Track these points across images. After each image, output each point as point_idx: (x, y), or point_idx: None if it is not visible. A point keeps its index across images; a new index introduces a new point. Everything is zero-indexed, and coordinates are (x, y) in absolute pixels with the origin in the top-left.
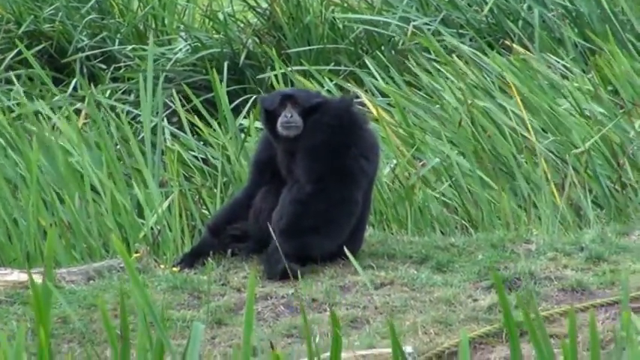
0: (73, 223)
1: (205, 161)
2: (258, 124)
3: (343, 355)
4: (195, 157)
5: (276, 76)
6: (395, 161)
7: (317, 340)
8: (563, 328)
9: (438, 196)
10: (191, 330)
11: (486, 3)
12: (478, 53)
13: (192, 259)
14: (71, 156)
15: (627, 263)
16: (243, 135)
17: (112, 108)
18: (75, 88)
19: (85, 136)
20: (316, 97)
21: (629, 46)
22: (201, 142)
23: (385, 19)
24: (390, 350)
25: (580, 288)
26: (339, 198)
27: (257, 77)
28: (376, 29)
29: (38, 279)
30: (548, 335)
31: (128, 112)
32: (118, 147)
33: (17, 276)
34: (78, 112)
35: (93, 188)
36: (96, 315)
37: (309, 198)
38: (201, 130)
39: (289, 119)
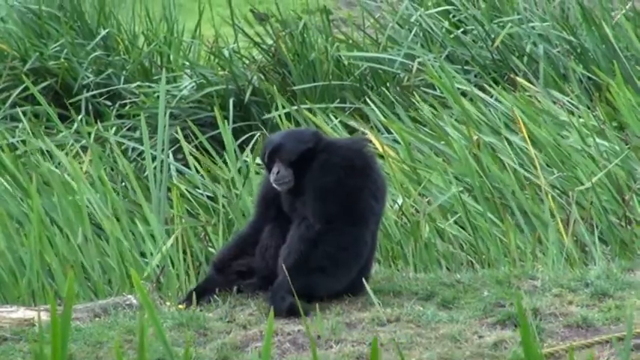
0: (75, 260)
1: (211, 198)
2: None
3: None
4: (202, 194)
5: (280, 115)
6: (400, 199)
7: None
8: None
9: (443, 231)
10: None
11: (491, 39)
12: (484, 89)
13: (198, 296)
14: (74, 193)
15: (632, 299)
16: (247, 171)
17: (119, 145)
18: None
19: (91, 174)
20: (305, 142)
21: (635, 81)
22: (207, 179)
23: (390, 56)
24: None
25: (585, 324)
26: (349, 239)
27: (263, 117)
28: (381, 66)
29: (44, 316)
30: None
31: (134, 149)
32: (123, 184)
33: (23, 313)
34: (84, 148)
35: (98, 226)
36: (101, 352)
37: (319, 237)
38: (206, 169)
39: (277, 176)
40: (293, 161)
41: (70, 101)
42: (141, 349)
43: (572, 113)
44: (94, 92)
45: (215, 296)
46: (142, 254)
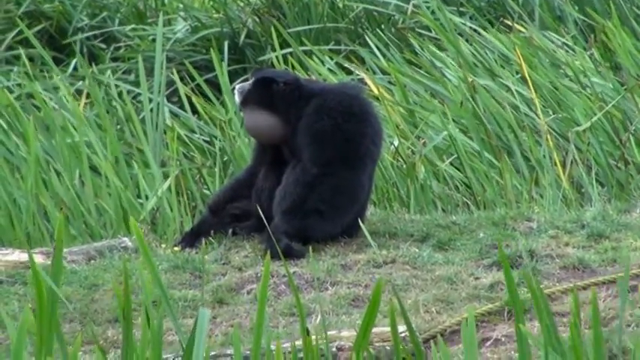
0: (72, 203)
1: (207, 141)
2: None
3: (345, 333)
4: (198, 137)
5: (277, 57)
6: (397, 141)
7: (318, 318)
8: (565, 306)
9: (439, 173)
10: (197, 317)
11: None
12: (479, 29)
13: (193, 238)
14: (71, 136)
15: (629, 240)
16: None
17: (114, 88)
18: (75, 68)
19: (87, 116)
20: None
21: (632, 23)
22: (202, 122)
23: None
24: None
25: (581, 266)
26: (346, 184)
27: (258, 59)
28: (376, 8)
29: (40, 259)
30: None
31: (129, 92)
32: (119, 126)
33: (18, 256)
34: (79, 92)
35: (94, 168)
36: (97, 295)
37: (316, 180)
38: (203, 108)
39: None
40: (266, 102)
41: (66, 42)
42: (126, 292)
43: (568, 55)
44: (89, 34)
45: (210, 238)
46: (138, 197)
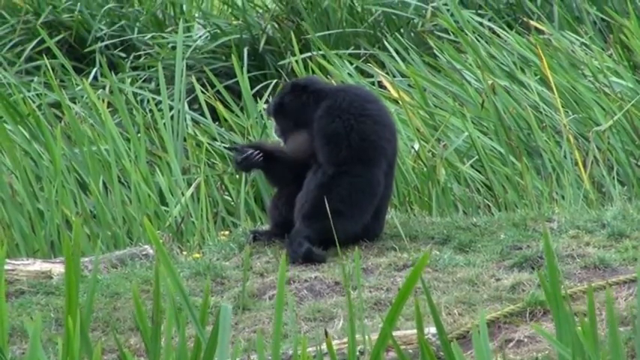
0: (98, 212)
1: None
2: None
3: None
4: (218, 144)
5: (296, 61)
6: (417, 144)
7: (341, 323)
8: (586, 306)
9: (460, 175)
10: (219, 313)
11: None
12: (498, 30)
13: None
14: (97, 144)
15: None
16: (264, 120)
17: (134, 96)
18: (95, 78)
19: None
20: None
21: None
22: (223, 129)
23: (404, 0)
24: (414, 332)
25: (602, 265)
26: (362, 181)
27: (278, 64)
28: (395, 11)
29: (60, 269)
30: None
31: (149, 101)
32: (139, 135)
33: (40, 266)
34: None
35: (118, 177)
36: (119, 303)
37: (332, 181)
38: (223, 116)
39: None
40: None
41: (85, 50)
42: (156, 297)
43: (587, 55)
44: (108, 42)
45: (231, 244)
46: (162, 204)
